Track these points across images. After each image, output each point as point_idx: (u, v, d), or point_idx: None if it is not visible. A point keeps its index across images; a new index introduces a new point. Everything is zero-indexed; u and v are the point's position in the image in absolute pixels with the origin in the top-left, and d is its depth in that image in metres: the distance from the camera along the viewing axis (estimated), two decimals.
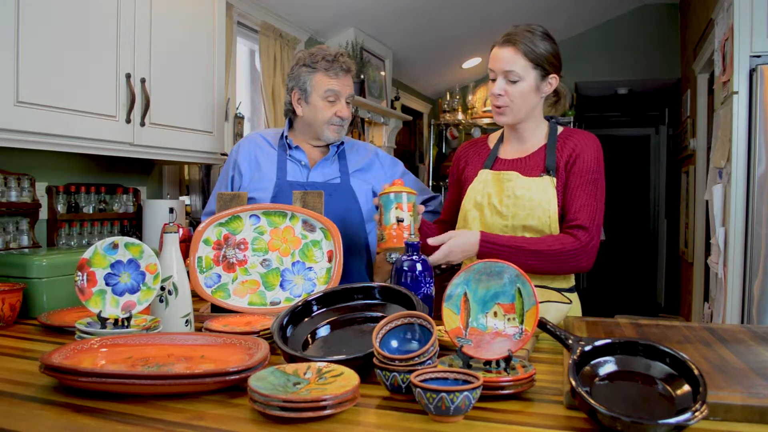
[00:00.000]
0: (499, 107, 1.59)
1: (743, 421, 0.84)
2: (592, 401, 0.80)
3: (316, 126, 1.83)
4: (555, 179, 1.58)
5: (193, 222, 2.55)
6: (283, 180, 1.81)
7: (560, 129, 1.67)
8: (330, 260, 1.56)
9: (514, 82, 1.55)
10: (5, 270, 1.53)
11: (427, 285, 1.39)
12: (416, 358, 0.94)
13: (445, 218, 1.83)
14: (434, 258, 1.48)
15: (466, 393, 0.84)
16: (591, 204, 1.54)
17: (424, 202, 2.02)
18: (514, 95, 1.56)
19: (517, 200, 1.57)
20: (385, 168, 1.96)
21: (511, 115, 1.59)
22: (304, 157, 1.86)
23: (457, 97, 5.86)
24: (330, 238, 1.56)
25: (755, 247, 2.49)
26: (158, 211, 2.21)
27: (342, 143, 1.90)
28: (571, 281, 1.68)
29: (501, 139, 1.74)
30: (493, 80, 1.59)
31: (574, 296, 1.67)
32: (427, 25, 4.48)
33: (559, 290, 1.61)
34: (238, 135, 3.12)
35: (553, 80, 1.59)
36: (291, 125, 1.92)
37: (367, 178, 1.91)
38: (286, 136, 1.87)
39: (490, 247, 1.49)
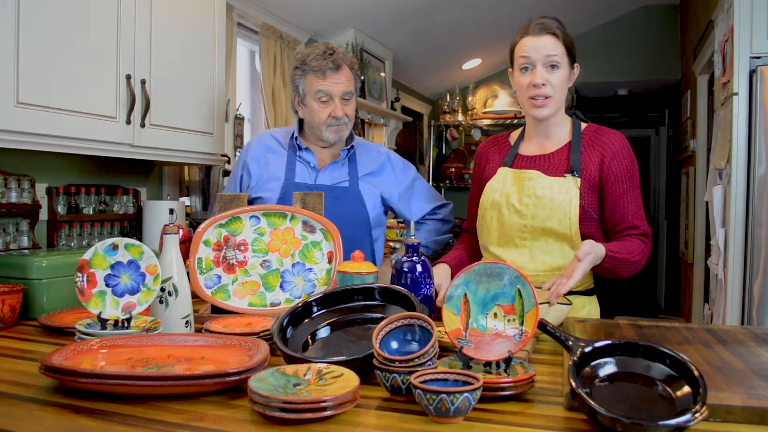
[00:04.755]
0: (538, 98, 1.52)
1: (743, 423, 0.84)
2: (592, 402, 0.80)
3: (314, 128, 1.82)
4: (579, 179, 1.53)
5: (193, 223, 2.55)
6: (291, 181, 1.80)
7: (584, 125, 1.63)
8: (330, 261, 1.56)
9: (554, 70, 1.51)
10: (5, 271, 1.53)
11: (427, 286, 1.39)
12: (416, 360, 0.94)
13: (470, 226, 1.76)
14: (582, 270, 1.33)
15: (466, 394, 0.84)
16: (641, 209, 1.57)
17: (435, 210, 1.98)
18: (556, 83, 1.52)
19: (537, 200, 1.53)
20: (397, 172, 1.93)
21: (553, 105, 1.54)
22: (313, 158, 1.85)
23: (457, 98, 5.86)
24: (330, 239, 1.56)
25: (755, 249, 2.49)
26: (158, 212, 2.21)
27: (352, 146, 1.87)
28: (589, 283, 1.65)
29: (522, 136, 1.69)
30: (525, 70, 1.53)
31: (593, 299, 1.66)
32: (427, 26, 4.48)
33: (578, 293, 1.60)
34: (238, 136, 3.12)
35: (577, 69, 1.58)
36: (301, 126, 1.91)
37: (377, 182, 1.88)
38: (296, 137, 1.86)
39: (612, 262, 1.44)
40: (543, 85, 1.51)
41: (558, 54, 1.51)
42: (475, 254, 1.75)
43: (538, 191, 1.54)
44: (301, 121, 1.90)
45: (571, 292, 1.58)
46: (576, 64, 1.58)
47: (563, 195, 1.52)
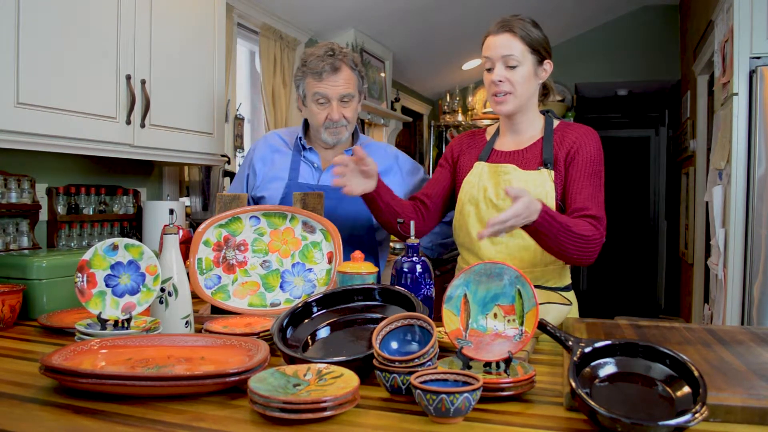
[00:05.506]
0: (499, 95, 1.57)
1: (743, 423, 0.84)
2: (592, 403, 0.80)
3: (314, 129, 1.82)
4: (553, 172, 1.56)
5: (193, 223, 2.55)
6: (295, 181, 1.80)
7: (556, 122, 1.66)
8: (330, 262, 1.55)
9: (513, 67, 1.54)
10: (5, 271, 1.53)
11: (427, 286, 1.39)
12: (416, 360, 0.94)
13: (422, 197, 1.72)
14: (512, 211, 1.25)
15: (466, 394, 0.84)
16: (598, 196, 1.54)
17: None
18: (515, 81, 1.55)
19: None
20: (404, 174, 1.91)
21: (513, 102, 1.57)
22: (317, 159, 1.84)
23: (457, 98, 5.87)
24: (330, 239, 1.56)
25: (755, 249, 2.49)
26: (158, 212, 2.21)
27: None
28: (567, 279, 1.66)
29: (497, 132, 1.72)
30: (489, 69, 1.58)
31: (570, 295, 1.66)
32: (427, 26, 4.48)
33: (556, 289, 1.61)
34: (238, 137, 3.12)
35: (548, 66, 1.60)
36: (307, 126, 1.90)
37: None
38: (300, 137, 1.85)
39: (548, 220, 1.34)
40: (500, 82, 1.55)
41: (515, 53, 1.53)
42: (418, 209, 1.70)
43: (514, 185, 1.55)
44: (306, 121, 1.89)
45: (549, 288, 1.57)
46: (547, 61, 1.59)
47: (539, 188, 1.54)
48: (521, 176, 1.56)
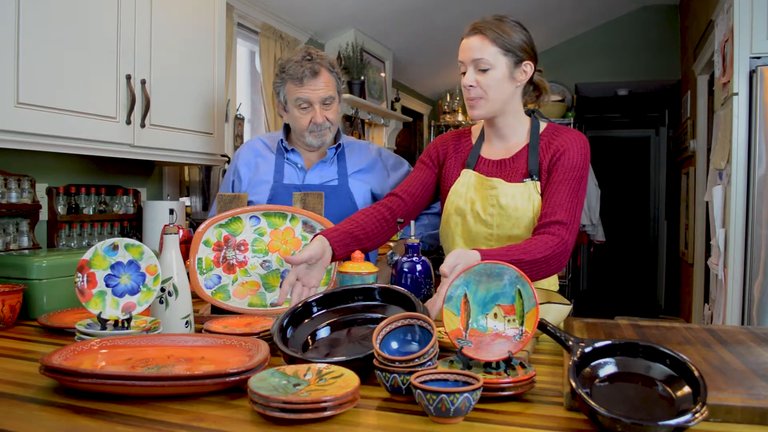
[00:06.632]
0: (472, 100, 1.51)
1: (743, 423, 0.84)
2: (593, 403, 0.80)
3: (298, 133, 1.83)
4: (539, 183, 1.52)
5: (193, 223, 2.56)
6: (280, 183, 1.81)
7: (543, 126, 1.59)
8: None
9: (485, 71, 1.47)
10: (5, 271, 1.53)
11: (427, 286, 1.39)
12: (416, 360, 0.94)
13: (402, 194, 1.65)
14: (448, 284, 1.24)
15: (466, 394, 0.84)
16: (572, 201, 1.47)
17: (430, 204, 1.98)
18: (487, 85, 1.48)
19: (501, 210, 1.52)
20: (389, 169, 1.93)
21: (486, 107, 1.51)
22: (300, 159, 1.86)
23: (457, 98, 5.86)
24: None
25: (755, 249, 2.49)
26: (158, 212, 2.21)
27: (340, 145, 1.89)
28: (555, 286, 1.64)
29: (482, 136, 1.65)
30: (464, 73, 1.51)
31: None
32: (427, 26, 4.48)
33: None
34: (238, 136, 3.12)
35: (528, 67, 1.52)
36: (288, 129, 1.92)
37: (367, 178, 1.89)
38: (282, 140, 1.87)
39: None
40: (471, 87, 1.49)
41: (485, 56, 1.46)
42: (387, 220, 1.60)
43: (501, 200, 1.52)
44: (287, 125, 1.91)
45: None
46: (526, 62, 1.51)
47: (526, 202, 1.50)
48: (508, 190, 1.52)
